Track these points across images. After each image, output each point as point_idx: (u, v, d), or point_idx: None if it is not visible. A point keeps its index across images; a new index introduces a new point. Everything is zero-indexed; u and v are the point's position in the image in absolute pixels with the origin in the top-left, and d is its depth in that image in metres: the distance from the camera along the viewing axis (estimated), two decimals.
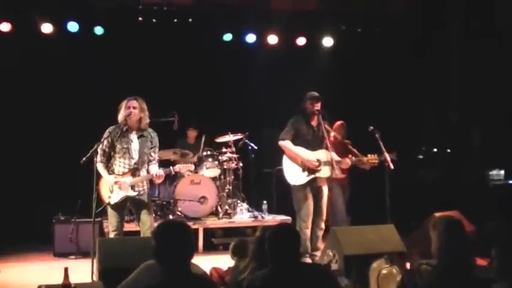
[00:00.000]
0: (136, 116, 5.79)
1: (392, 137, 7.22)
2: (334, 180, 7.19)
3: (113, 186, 5.76)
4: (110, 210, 5.86)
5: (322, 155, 6.63)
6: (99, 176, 5.77)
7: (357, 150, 7.39)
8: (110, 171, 5.81)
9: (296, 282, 3.21)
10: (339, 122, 8.02)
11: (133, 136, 5.84)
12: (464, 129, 9.72)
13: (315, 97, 6.69)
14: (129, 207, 6.01)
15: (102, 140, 5.74)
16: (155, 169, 5.84)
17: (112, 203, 5.78)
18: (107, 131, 5.82)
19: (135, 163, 5.79)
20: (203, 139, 8.59)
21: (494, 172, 8.59)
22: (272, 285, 3.20)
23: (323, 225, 6.69)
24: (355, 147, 7.57)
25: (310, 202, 6.60)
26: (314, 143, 6.69)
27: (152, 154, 5.91)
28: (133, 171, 5.78)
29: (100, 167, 5.77)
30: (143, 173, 5.82)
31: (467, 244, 3.68)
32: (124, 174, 5.78)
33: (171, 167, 5.98)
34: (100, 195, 5.82)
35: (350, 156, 6.91)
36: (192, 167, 6.47)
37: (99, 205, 5.82)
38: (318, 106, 6.67)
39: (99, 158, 5.75)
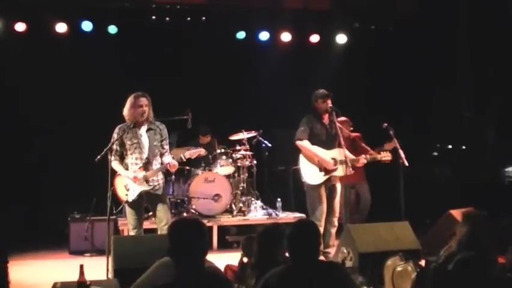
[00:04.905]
0: (148, 114, 5.84)
1: (406, 134, 7.18)
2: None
3: (128, 184, 5.81)
4: (127, 209, 5.91)
5: (336, 153, 6.61)
6: (114, 175, 5.80)
7: (369, 146, 7.32)
8: (125, 169, 5.84)
9: (312, 280, 3.20)
10: (341, 119, 7.37)
11: (142, 130, 5.87)
12: (478, 126, 9.63)
13: (326, 94, 6.63)
14: (145, 205, 6.04)
15: (113, 139, 5.79)
16: (169, 159, 5.86)
17: (130, 200, 5.82)
18: (115, 130, 5.87)
19: (146, 157, 5.82)
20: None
21: (510, 169, 8.49)
22: (289, 283, 3.19)
23: (336, 223, 6.69)
24: (367, 142, 7.49)
25: (325, 201, 6.60)
26: (328, 141, 6.66)
27: (164, 146, 5.94)
28: (146, 165, 5.81)
29: (115, 164, 5.81)
30: (156, 166, 5.85)
31: (491, 239, 3.68)
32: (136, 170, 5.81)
33: (181, 155, 5.96)
34: (116, 194, 5.87)
35: (365, 155, 6.84)
36: (203, 150, 6.36)
37: (117, 204, 5.85)
38: (330, 103, 6.64)
39: (112, 156, 5.79)
